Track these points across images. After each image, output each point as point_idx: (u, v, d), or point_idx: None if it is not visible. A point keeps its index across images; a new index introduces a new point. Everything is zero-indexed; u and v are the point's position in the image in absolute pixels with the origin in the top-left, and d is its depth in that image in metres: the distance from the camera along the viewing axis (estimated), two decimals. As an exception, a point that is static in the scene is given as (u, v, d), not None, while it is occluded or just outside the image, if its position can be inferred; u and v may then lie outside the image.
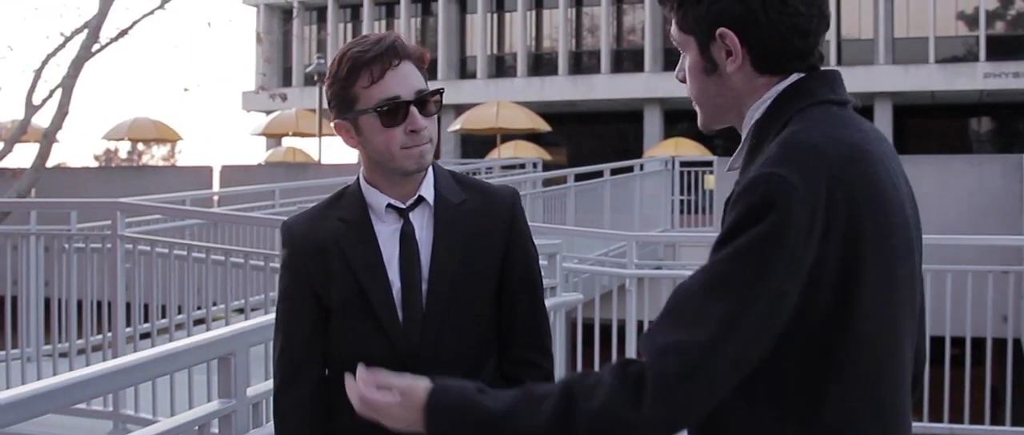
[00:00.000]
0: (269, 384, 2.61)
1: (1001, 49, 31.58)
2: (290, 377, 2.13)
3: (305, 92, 33.54)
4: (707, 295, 1.43)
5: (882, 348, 1.50)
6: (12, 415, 1.79)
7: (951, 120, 34.48)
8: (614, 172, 14.31)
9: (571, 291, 6.18)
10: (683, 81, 1.65)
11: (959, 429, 6.04)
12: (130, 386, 4.40)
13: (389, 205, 2.11)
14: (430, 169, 2.14)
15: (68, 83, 13.50)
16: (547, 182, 13.83)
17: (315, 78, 24.47)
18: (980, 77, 31.26)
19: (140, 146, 47.75)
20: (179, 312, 6.09)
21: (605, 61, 35.50)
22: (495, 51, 38.03)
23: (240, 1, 39.38)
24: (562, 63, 36.05)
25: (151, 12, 14.07)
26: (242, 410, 2.61)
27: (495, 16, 37.87)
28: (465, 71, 37.79)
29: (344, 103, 2.07)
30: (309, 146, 28.38)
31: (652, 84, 33.07)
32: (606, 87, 35.07)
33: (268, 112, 30.15)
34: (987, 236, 9.73)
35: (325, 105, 2.15)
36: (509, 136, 25.24)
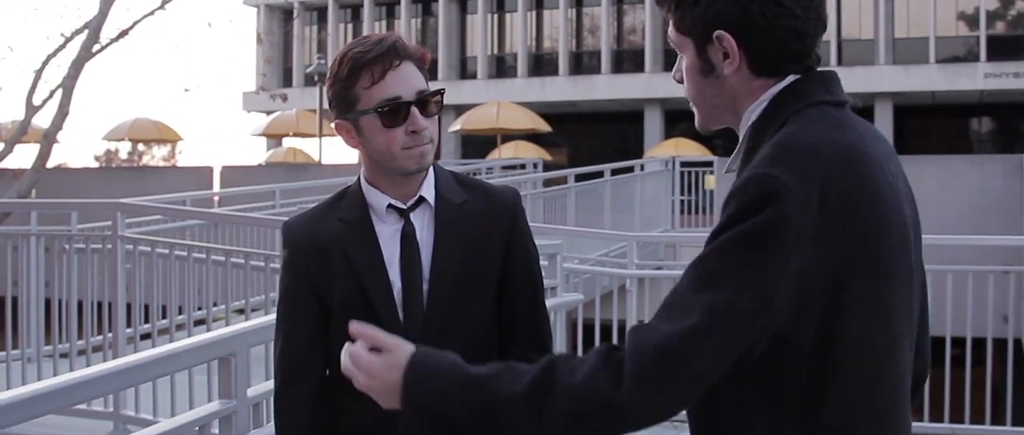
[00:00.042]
0: (269, 384, 2.61)
1: (1001, 49, 31.59)
2: (291, 377, 2.13)
3: (305, 92, 33.55)
4: (693, 287, 1.44)
5: (880, 349, 1.50)
6: (13, 415, 1.79)
7: (952, 120, 34.49)
8: (614, 172, 14.31)
9: (572, 291, 6.18)
10: (680, 82, 1.66)
11: (960, 429, 6.04)
12: (130, 387, 4.40)
13: (390, 205, 2.11)
14: (431, 169, 2.14)
15: (68, 83, 13.50)
16: (547, 182, 13.83)
17: (315, 78, 24.48)
18: (980, 77, 31.27)
19: (140, 146, 47.79)
20: (179, 313, 6.09)
21: (605, 61, 35.51)
22: (495, 51, 38.03)
23: (241, 1, 39.41)
24: (562, 63, 36.06)
25: (151, 12, 14.07)
26: (242, 410, 2.61)
27: (495, 16, 37.88)
28: (465, 71, 37.81)
29: (345, 103, 2.07)
30: (309, 146, 28.44)
31: (652, 84, 33.08)
32: (606, 87, 35.08)
33: (268, 112, 30.17)
34: (988, 236, 9.73)
35: (326, 105, 2.15)
36: (509, 136, 25.25)
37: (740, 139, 1.60)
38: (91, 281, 6.53)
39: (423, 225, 2.11)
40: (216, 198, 14.69)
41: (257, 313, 5.56)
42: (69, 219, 8.43)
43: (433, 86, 2.08)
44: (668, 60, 33.95)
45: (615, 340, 6.75)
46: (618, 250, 10.94)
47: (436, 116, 2.10)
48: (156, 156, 55.13)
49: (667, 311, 1.45)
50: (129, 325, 6.30)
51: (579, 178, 13.67)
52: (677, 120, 32.67)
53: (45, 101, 13.73)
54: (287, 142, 29.97)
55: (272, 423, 2.22)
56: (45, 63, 13.84)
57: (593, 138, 35.95)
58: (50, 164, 14.41)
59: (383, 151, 2.06)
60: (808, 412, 1.47)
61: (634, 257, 7.84)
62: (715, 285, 1.42)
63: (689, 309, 1.42)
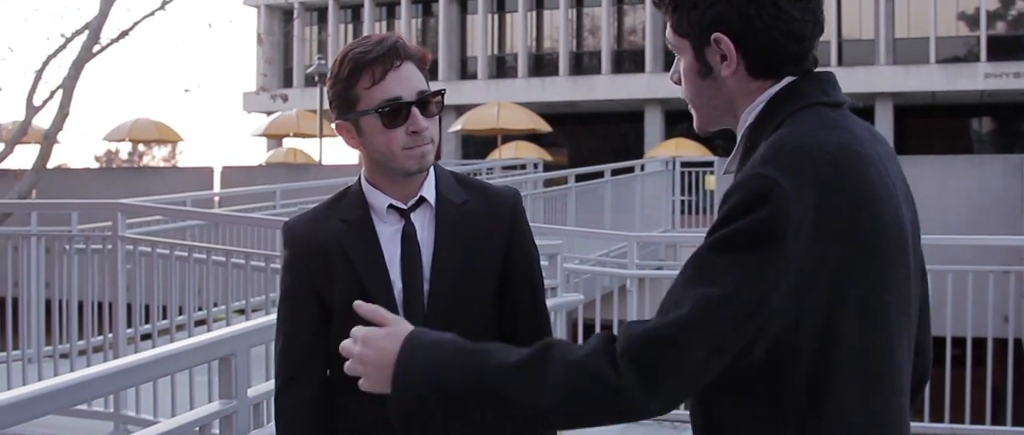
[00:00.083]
0: (270, 385, 2.61)
1: (1002, 49, 31.58)
2: (292, 377, 2.13)
3: (306, 93, 33.55)
4: (684, 284, 1.45)
5: (878, 350, 1.50)
6: (13, 416, 1.79)
7: (952, 120, 34.48)
8: (615, 173, 14.31)
9: (572, 292, 6.19)
10: (678, 83, 1.66)
11: (960, 429, 6.04)
12: (131, 387, 4.39)
13: (391, 206, 2.11)
14: (431, 170, 2.14)
15: (69, 84, 13.51)
16: (548, 183, 13.84)
17: (316, 79, 24.49)
18: (981, 77, 31.26)
19: (141, 147, 47.81)
20: (180, 313, 6.09)
21: (606, 62, 35.52)
22: (496, 52, 38.04)
23: (241, 2, 39.41)
24: (563, 64, 36.06)
25: (152, 13, 14.08)
26: (243, 411, 2.61)
27: (496, 17, 37.88)
28: (466, 72, 37.81)
29: (346, 104, 2.07)
30: (310, 147, 28.45)
31: (653, 85, 33.07)
32: (607, 88, 35.09)
33: (269, 113, 30.18)
34: (988, 236, 9.73)
35: (326, 106, 2.15)
36: (510, 137, 25.25)
37: (737, 140, 1.60)
38: (91, 281, 6.53)
39: (424, 225, 2.11)
40: (216, 198, 14.69)
41: (257, 313, 5.56)
42: (69, 219, 8.45)
43: (434, 86, 2.09)
44: (668, 60, 33.82)
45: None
46: (618, 250, 10.95)
47: (437, 116, 2.10)
48: (156, 157, 55.17)
49: (660, 307, 1.46)
50: (129, 325, 6.31)
51: (579, 178, 13.68)
52: (677, 120, 32.66)
53: (45, 102, 13.74)
54: (287, 142, 29.98)
55: (272, 423, 2.22)
56: (45, 64, 13.85)
57: (593, 138, 35.95)
58: (50, 165, 14.41)
59: (384, 151, 2.06)
60: (808, 413, 1.47)
61: (634, 257, 7.84)
62: (706, 280, 1.42)
63: (679, 302, 1.43)
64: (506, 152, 23.62)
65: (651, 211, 15.15)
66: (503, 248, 2.15)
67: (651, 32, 34.29)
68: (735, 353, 1.42)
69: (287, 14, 38.25)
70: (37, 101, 13.74)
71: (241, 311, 6.30)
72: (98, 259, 6.54)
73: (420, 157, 2.06)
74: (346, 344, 1.58)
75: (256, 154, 46.09)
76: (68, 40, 13.91)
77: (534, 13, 37.32)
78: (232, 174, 18.77)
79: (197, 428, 2.53)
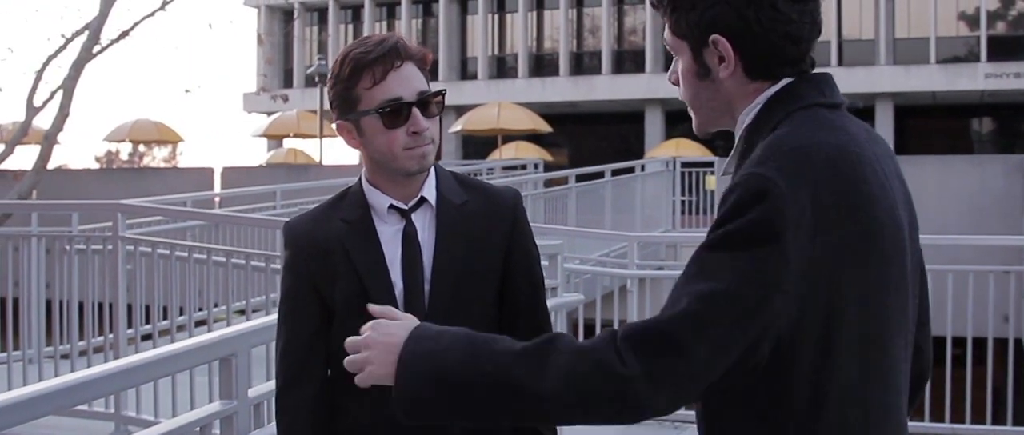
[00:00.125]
0: (270, 385, 2.62)
1: (1002, 49, 31.58)
2: (293, 377, 2.13)
3: (306, 93, 33.56)
4: (684, 283, 1.45)
5: (875, 351, 1.50)
6: (14, 416, 1.79)
7: (952, 120, 34.48)
8: (615, 173, 14.31)
9: (572, 292, 6.19)
10: (676, 84, 1.67)
11: (961, 429, 6.04)
12: (131, 387, 4.39)
13: (391, 206, 2.11)
14: (432, 170, 2.14)
15: (69, 84, 13.51)
16: (548, 183, 13.84)
17: (316, 79, 24.49)
18: (981, 77, 31.26)
19: (141, 147, 47.80)
20: (180, 313, 6.09)
21: (606, 62, 35.52)
22: (496, 52, 38.04)
23: (241, 2, 39.42)
24: (563, 64, 36.07)
25: (152, 13, 14.09)
26: (243, 411, 2.61)
27: (496, 17, 37.89)
28: (466, 72, 37.81)
29: (346, 104, 2.07)
30: (310, 147, 28.43)
31: (653, 85, 33.07)
32: (607, 88, 35.09)
33: (269, 113, 30.19)
34: (988, 236, 9.73)
35: (326, 106, 2.15)
36: (510, 137, 25.26)
37: (735, 141, 1.61)
38: (92, 282, 6.53)
39: (424, 226, 2.11)
40: (217, 199, 14.69)
41: (258, 314, 5.56)
42: (70, 220, 8.46)
43: (434, 87, 2.09)
44: (669, 61, 33.06)
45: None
46: (619, 250, 10.94)
47: (437, 117, 2.10)
48: (157, 157, 55.16)
49: (664, 307, 1.46)
50: (130, 326, 6.31)
51: (580, 178, 13.68)
52: (678, 121, 32.65)
53: (46, 102, 13.75)
54: (288, 143, 29.98)
55: (273, 424, 2.22)
56: (45, 64, 13.86)
57: (594, 138, 35.95)
58: (51, 165, 14.43)
59: (384, 152, 2.06)
60: (808, 413, 1.47)
61: (635, 257, 7.85)
62: (706, 278, 1.42)
63: (678, 300, 1.43)
64: (506, 152, 23.62)
65: (651, 211, 15.15)
66: (504, 248, 2.15)
67: (651, 32, 34.28)
68: (740, 353, 1.42)
69: (287, 14, 38.26)
70: (37, 102, 13.75)
71: (241, 311, 6.30)
72: (98, 260, 6.55)
73: (421, 157, 2.06)
74: (352, 338, 1.58)
75: (256, 154, 46.12)
76: (68, 41, 13.92)
77: (534, 13, 37.33)
78: (232, 174, 18.77)
79: (198, 428, 2.53)
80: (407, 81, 2.04)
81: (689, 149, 24.14)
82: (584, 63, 36.79)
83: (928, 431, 5.90)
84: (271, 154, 31.68)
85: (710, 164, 16.98)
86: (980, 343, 6.22)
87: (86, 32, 13.67)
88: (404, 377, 1.50)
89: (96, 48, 13.66)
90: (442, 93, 2.09)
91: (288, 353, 2.14)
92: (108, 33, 13.83)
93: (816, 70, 1.60)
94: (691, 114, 1.67)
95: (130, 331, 6.29)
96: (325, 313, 2.11)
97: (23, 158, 31.72)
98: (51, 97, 13.69)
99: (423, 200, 2.12)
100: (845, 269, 1.45)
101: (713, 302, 1.40)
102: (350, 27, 39.54)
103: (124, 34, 13.91)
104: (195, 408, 3.28)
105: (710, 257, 1.44)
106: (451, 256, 2.09)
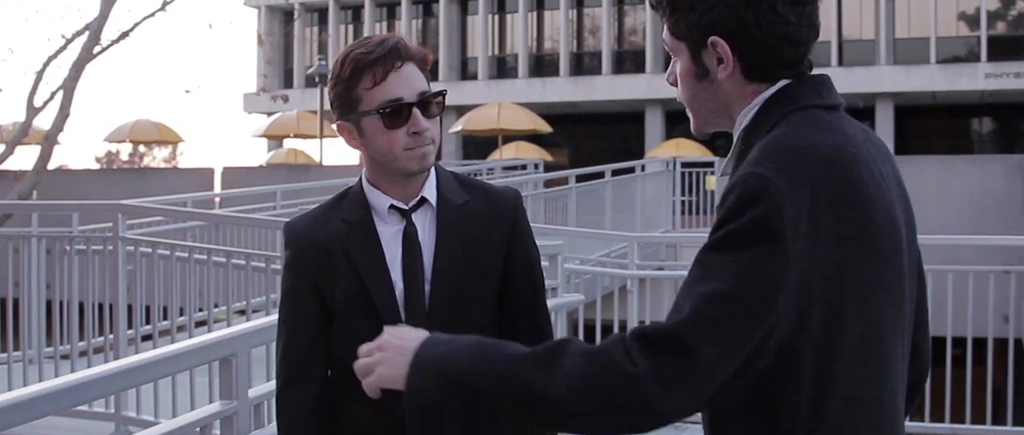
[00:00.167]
0: (270, 385, 2.62)
1: (1002, 49, 31.58)
2: (293, 378, 2.13)
3: (306, 94, 33.56)
4: (689, 287, 1.45)
5: (872, 351, 1.50)
6: (14, 417, 1.79)
7: (952, 120, 34.48)
8: (615, 173, 14.31)
9: (573, 292, 6.19)
10: (674, 84, 1.67)
11: (961, 429, 6.04)
12: (132, 388, 4.40)
13: (392, 206, 2.11)
14: (432, 170, 2.14)
15: (69, 85, 13.51)
16: (548, 183, 13.85)
17: (316, 79, 24.50)
18: (981, 77, 31.26)
19: (141, 148, 47.82)
20: (180, 314, 6.09)
21: (606, 62, 35.52)
22: (496, 52, 38.04)
23: (241, 3, 39.42)
24: (563, 64, 36.07)
25: (152, 14, 14.09)
26: (243, 411, 2.62)
27: (496, 17, 37.89)
28: (466, 72, 37.82)
29: (347, 104, 2.07)
30: (310, 148, 28.45)
31: (653, 85, 33.07)
32: (607, 88, 35.09)
33: (269, 114, 30.20)
34: (988, 236, 9.74)
35: (327, 106, 2.15)
36: (510, 137, 25.26)
37: (733, 142, 1.61)
38: (92, 282, 6.53)
39: (425, 226, 2.12)
40: (217, 199, 14.69)
41: (258, 314, 5.56)
42: (70, 221, 8.45)
43: (434, 87, 2.09)
44: (669, 61, 33.67)
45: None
46: (619, 251, 10.94)
47: (438, 117, 2.10)
48: (157, 157, 55.16)
49: (669, 311, 1.47)
50: (130, 326, 6.31)
51: (580, 179, 13.68)
52: (678, 121, 32.62)
53: (46, 103, 13.75)
54: (288, 143, 29.98)
55: (273, 424, 2.22)
56: (46, 65, 13.86)
57: (594, 139, 35.96)
58: (51, 166, 14.43)
59: (385, 152, 2.06)
60: (808, 413, 1.47)
61: (635, 258, 7.85)
62: (708, 279, 1.43)
63: (682, 304, 1.44)
64: (507, 153, 23.63)
65: (652, 211, 15.15)
66: (504, 248, 2.15)
67: (652, 33, 34.27)
68: (746, 354, 1.42)
69: (287, 15, 38.27)
70: (38, 102, 13.75)
71: (242, 312, 6.30)
72: (99, 260, 6.55)
73: (421, 158, 2.06)
74: (367, 344, 1.59)
75: (257, 155, 46.15)
76: (68, 41, 13.92)
77: (534, 14, 37.33)
78: (233, 175, 18.78)
79: (198, 429, 2.54)
80: (407, 81, 2.04)
81: (689, 149, 24.14)
82: (584, 63, 36.79)
83: (928, 431, 5.90)
84: (271, 154, 31.69)
85: (710, 164, 16.98)
86: (980, 343, 6.22)
87: (86, 32, 13.67)
88: (416, 377, 1.51)
89: (96, 48, 13.66)
90: (442, 93, 2.09)
91: (289, 353, 2.14)
92: (108, 33, 13.85)
93: (814, 71, 1.60)
94: (689, 115, 1.67)
95: (130, 331, 6.29)
96: (326, 313, 2.11)
97: (23, 158, 31.69)
98: (51, 97, 13.70)
99: (423, 200, 2.12)
100: (844, 269, 1.45)
101: (718, 302, 1.41)
102: (350, 28, 39.55)
103: (124, 34, 13.91)
104: (195, 408, 3.29)
105: (712, 258, 1.44)
106: (451, 256, 2.09)
